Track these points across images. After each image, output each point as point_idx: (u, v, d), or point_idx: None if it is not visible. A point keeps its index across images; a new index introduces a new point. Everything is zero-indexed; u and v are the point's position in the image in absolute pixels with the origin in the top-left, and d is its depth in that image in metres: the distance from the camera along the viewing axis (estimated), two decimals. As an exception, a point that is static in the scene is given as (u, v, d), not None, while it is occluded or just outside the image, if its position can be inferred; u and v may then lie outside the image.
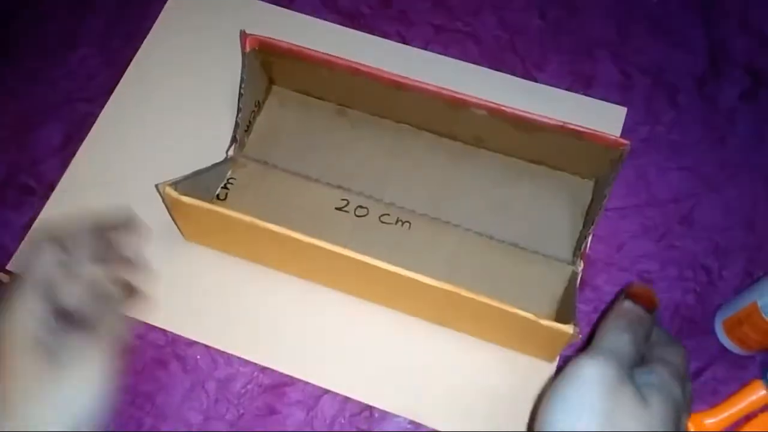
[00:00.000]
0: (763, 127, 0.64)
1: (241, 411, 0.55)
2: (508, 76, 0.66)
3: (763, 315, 0.49)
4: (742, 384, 0.54)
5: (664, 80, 0.66)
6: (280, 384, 0.56)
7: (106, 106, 0.65)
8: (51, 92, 0.67)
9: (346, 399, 0.55)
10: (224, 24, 0.68)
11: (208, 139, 0.63)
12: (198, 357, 0.57)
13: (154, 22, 0.69)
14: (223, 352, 0.56)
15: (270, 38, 0.57)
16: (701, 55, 0.67)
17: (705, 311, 0.57)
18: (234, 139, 0.61)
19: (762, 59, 0.67)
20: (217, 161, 0.60)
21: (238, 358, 0.56)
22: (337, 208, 0.60)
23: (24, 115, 0.66)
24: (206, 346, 0.57)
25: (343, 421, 0.55)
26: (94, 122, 0.65)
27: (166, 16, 0.69)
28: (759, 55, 0.67)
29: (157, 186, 0.52)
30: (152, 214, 0.57)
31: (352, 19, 0.69)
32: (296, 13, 0.69)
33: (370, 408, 0.55)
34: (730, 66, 0.67)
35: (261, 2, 0.69)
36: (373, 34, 0.68)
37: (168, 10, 0.69)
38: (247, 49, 0.57)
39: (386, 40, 0.68)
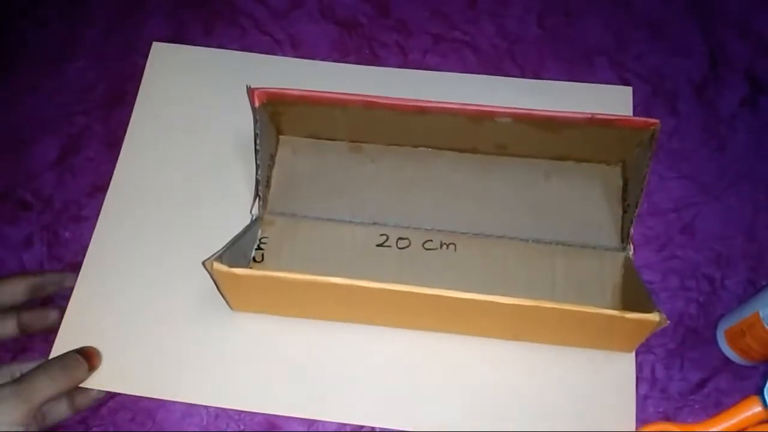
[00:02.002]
0: (763, 134, 0.64)
1: (242, 426, 0.55)
2: (499, 78, 0.66)
3: (766, 325, 0.49)
4: (744, 396, 0.53)
5: (663, 87, 0.66)
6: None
7: (111, 184, 0.62)
8: (47, 105, 0.67)
9: None
10: (210, 81, 0.66)
11: (221, 200, 0.61)
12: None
13: (149, 32, 0.69)
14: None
15: (278, 89, 0.56)
16: (701, 62, 0.67)
17: (708, 321, 0.57)
18: (257, 197, 0.59)
19: (762, 65, 0.67)
20: (244, 223, 0.59)
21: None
22: (378, 245, 0.59)
23: (20, 127, 0.66)
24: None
25: (344, 436, 0.55)
26: (91, 136, 0.65)
27: (147, 82, 0.67)
28: (759, 60, 0.67)
29: (203, 263, 0.50)
30: (188, 287, 0.58)
31: (349, 29, 0.69)
32: (279, 57, 0.68)
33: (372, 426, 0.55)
34: (729, 72, 0.66)
35: (239, 52, 0.68)
36: (371, 44, 0.68)
37: (148, 78, 0.67)
38: (257, 103, 0.56)
39: (374, 67, 0.67)
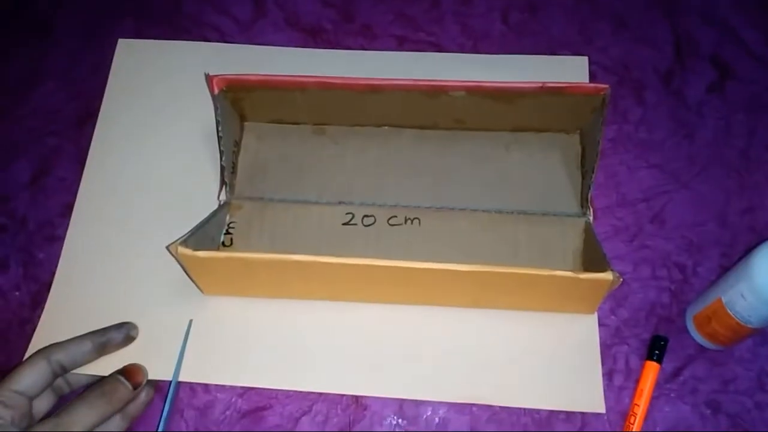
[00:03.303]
0: (731, 119, 0.64)
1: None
2: (456, 54, 0.67)
3: (728, 311, 0.49)
4: (722, 382, 0.54)
5: (629, 77, 0.66)
6: (258, 408, 0.55)
7: (82, 179, 0.64)
8: (18, 129, 0.67)
9: (325, 420, 0.55)
10: (174, 72, 0.68)
11: (191, 189, 0.62)
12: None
13: (114, 52, 0.69)
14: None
15: (236, 75, 0.57)
16: (666, 50, 0.67)
17: (680, 310, 0.57)
18: (223, 183, 0.60)
19: (727, 50, 0.67)
20: (213, 209, 0.59)
21: (216, 385, 0.56)
22: (344, 224, 0.60)
23: (-8, 153, 0.66)
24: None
25: (322, 441, 0.55)
26: (62, 156, 0.65)
27: (115, 73, 0.68)
28: (724, 46, 0.67)
29: (168, 248, 0.51)
30: (160, 275, 0.59)
31: (314, 35, 0.69)
32: (240, 45, 0.69)
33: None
34: (695, 59, 0.66)
35: (204, 43, 0.69)
36: (336, 49, 0.68)
37: (116, 68, 0.68)
38: (216, 91, 0.56)
39: (335, 51, 0.68)
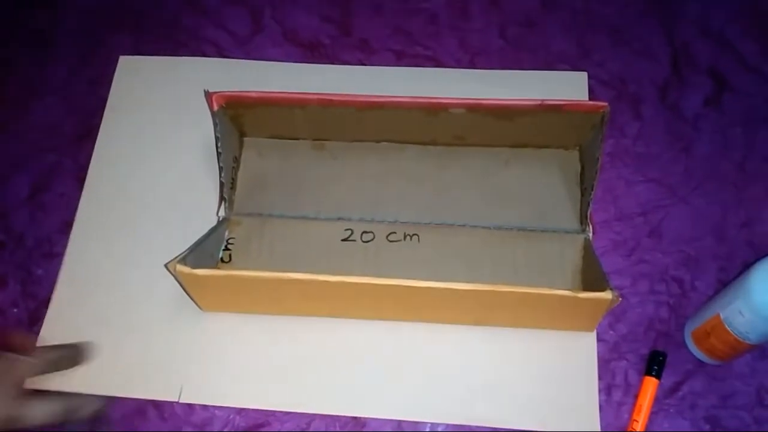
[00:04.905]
0: (727, 132, 0.64)
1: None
2: (456, 70, 0.67)
3: (727, 327, 0.49)
4: (720, 397, 0.54)
5: (626, 91, 0.66)
6: (256, 425, 0.55)
7: (81, 196, 0.64)
8: (18, 143, 0.67)
9: (323, 437, 0.55)
10: (174, 87, 0.68)
11: (191, 205, 0.62)
12: (175, 403, 0.56)
13: (114, 66, 0.69)
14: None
15: (236, 92, 0.57)
16: (664, 63, 0.67)
17: (678, 324, 0.57)
18: (222, 199, 0.60)
19: (724, 62, 0.67)
20: (212, 225, 0.59)
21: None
22: (343, 240, 0.60)
23: (-9, 168, 0.66)
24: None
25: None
26: (61, 172, 0.65)
27: (115, 89, 0.68)
28: (721, 58, 0.67)
29: (166, 266, 0.51)
30: (159, 292, 0.59)
31: (312, 50, 0.69)
32: (239, 60, 0.69)
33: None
34: (692, 72, 0.66)
35: (203, 58, 0.69)
36: (334, 64, 0.68)
37: (117, 84, 0.68)
38: (215, 107, 0.57)
39: (335, 66, 0.68)
